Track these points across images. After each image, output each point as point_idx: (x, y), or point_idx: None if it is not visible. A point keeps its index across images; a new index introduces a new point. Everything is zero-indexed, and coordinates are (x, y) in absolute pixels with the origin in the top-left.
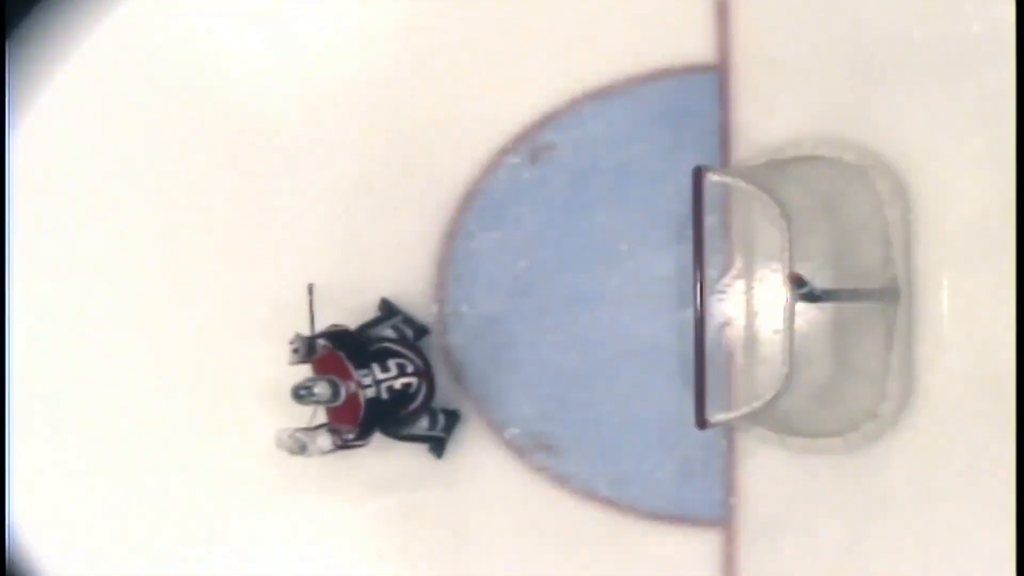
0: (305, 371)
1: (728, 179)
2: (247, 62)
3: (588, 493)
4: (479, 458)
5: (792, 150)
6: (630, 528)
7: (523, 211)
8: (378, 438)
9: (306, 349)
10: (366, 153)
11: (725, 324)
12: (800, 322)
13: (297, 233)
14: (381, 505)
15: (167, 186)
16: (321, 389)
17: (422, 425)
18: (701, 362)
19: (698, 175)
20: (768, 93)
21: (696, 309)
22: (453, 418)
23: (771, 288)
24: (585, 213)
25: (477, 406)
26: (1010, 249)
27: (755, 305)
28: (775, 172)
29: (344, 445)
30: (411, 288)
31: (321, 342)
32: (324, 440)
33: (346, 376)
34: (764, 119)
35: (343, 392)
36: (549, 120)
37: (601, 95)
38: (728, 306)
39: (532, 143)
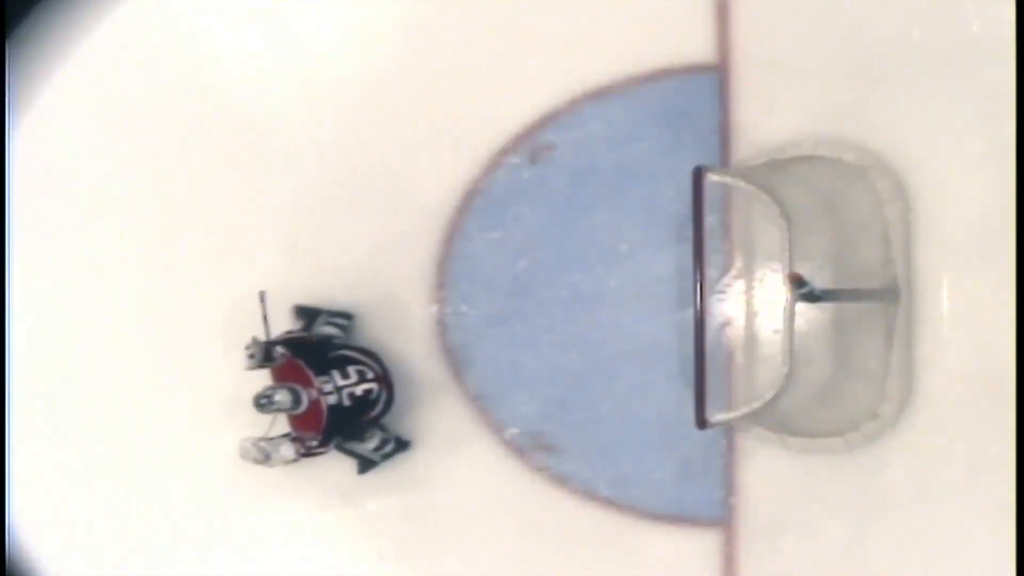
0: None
1: (728, 179)
2: (247, 62)
3: (588, 493)
4: (479, 458)
5: (792, 150)
6: (630, 528)
7: (523, 211)
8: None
9: (262, 354)
10: (366, 153)
11: (725, 324)
12: (800, 322)
13: (297, 233)
14: (381, 505)
15: (167, 186)
16: (282, 397)
17: (368, 445)
18: (701, 362)
19: (698, 175)
20: (768, 93)
21: (696, 309)
22: (401, 447)
23: (771, 288)
24: (585, 213)
25: (477, 406)
26: (1010, 249)
27: (755, 305)
28: (775, 172)
29: (307, 453)
30: (411, 288)
31: (280, 350)
32: (287, 449)
33: (307, 383)
34: (764, 119)
35: (304, 399)
36: (549, 120)
37: (601, 95)
38: (728, 306)
39: (532, 143)
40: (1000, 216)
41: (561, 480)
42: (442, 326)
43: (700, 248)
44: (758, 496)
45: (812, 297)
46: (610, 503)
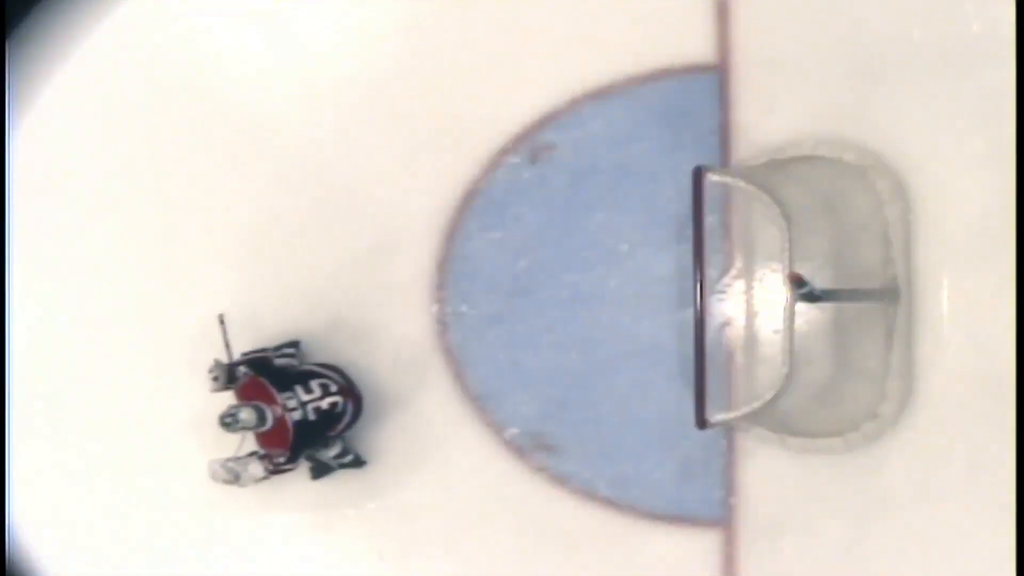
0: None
1: (728, 179)
2: (247, 62)
3: (588, 493)
4: (479, 458)
5: (792, 150)
6: (630, 528)
7: (523, 211)
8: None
9: (226, 376)
10: (366, 153)
11: (725, 324)
12: (800, 322)
13: (297, 232)
14: (381, 505)
15: (167, 186)
16: (247, 415)
17: (329, 452)
18: (701, 362)
19: (698, 175)
20: (768, 93)
21: (696, 309)
22: (358, 463)
23: (771, 288)
24: (585, 213)
25: (477, 406)
26: (1010, 249)
27: (755, 305)
28: (775, 172)
29: (276, 470)
30: (411, 288)
31: (242, 369)
32: (256, 468)
33: (270, 401)
34: (764, 119)
35: (269, 417)
36: (549, 120)
37: (601, 95)
38: (728, 306)
39: (532, 143)
40: (1000, 216)
41: (561, 480)
42: (442, 326)
43: (700, 248)
44: (758, 496)
45: (812, 297)
46: (610, 503)
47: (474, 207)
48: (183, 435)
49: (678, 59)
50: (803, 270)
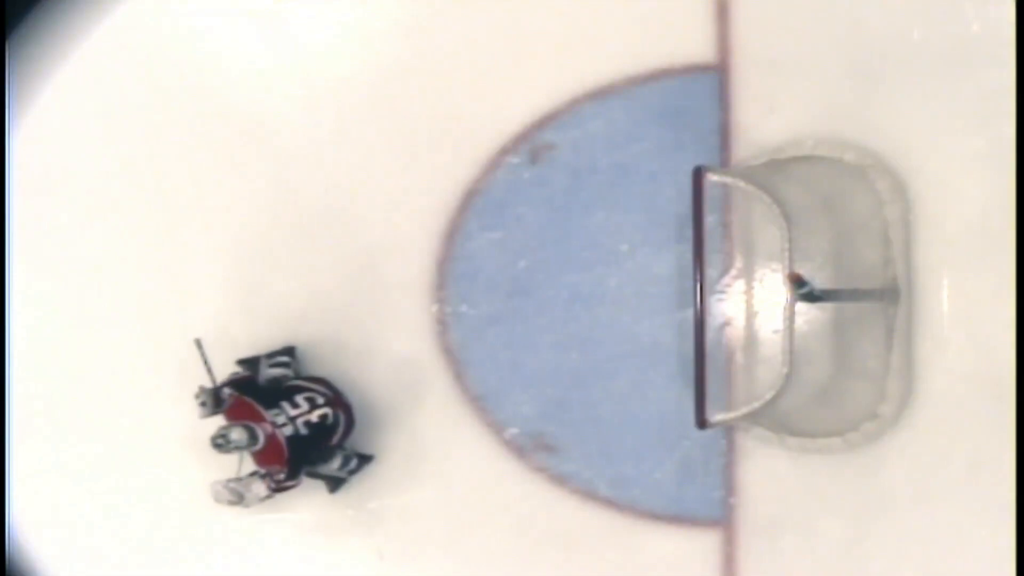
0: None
1: (728, 179)
2: (247, 62)
3: (588, 493)
4: (479, 458)
5: (792, 150)
6: (630, 528)
7: (523, 211)
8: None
9: (213, 401)
10: (366, 153)
11: (725, 324)
12: (800, 322)
13: (296, 232)
14: (381, 505)
15: (167, 186)
16: (237, 435)
17: (333, 466)
18: (701, 362)
19: (698, 175)
20: (768, 93)
21: (696, 309)
22: (364, 461)
23: (771, 288)
24: (585, 213)
25: (477, 406)
26: (1010, 249)
27: (755, 305)
28: (775, 172)
29: (279, 488)
30: (411, 288)
31: (227, 391)
32: (259, 487)
33: (258, 419)
34: (764, 119)
35: (260, 435)
36: (549, 120)
37: (601, 95)
38: (728, 306)
39: (532, 143)
40: (1000, 216)
41: (561, 480)
42: (442, 326)
43: (700, 248)
44: (758, 496)
45: (812, 297)
46: (610, 503)
47: (474, 207)
48: (183, 435)
49: (678, 59)
50: (803, 270)
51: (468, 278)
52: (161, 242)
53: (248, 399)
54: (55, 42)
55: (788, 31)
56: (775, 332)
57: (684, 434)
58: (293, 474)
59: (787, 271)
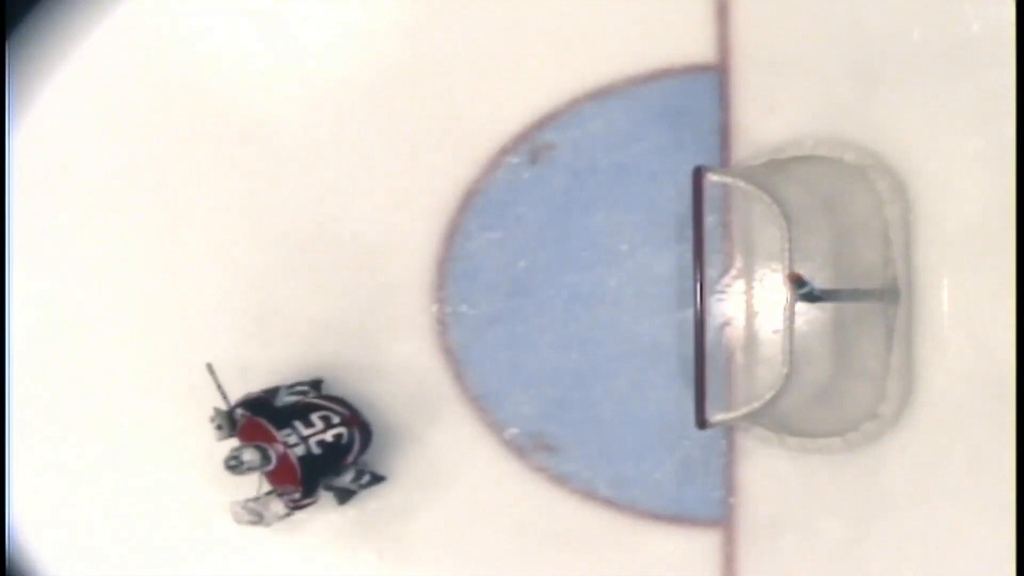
0: None
1: (728, 179)
2: (247, 62)
3: (588, 493)
4: (479, 458)
5: (792, 150)
6: (630, 528)
7: (523, 211)
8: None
9: (228, 423)
10: (365, 153)
11: (725, 324)
12: (800, 322)
13: (296, 232)
14: (381, 505)
15: (167, 186)
16: (250, 456)
17: (345, 479)
18: (701, 362)
19: (698, 175)
20: (768, 93)
21: (696, 309)
22: (376, 480)
23: (771, 288)
24: (585, 213)
25: (477, 406)
26: (1010, 249)
27: (755, 305)
28: (775, 172)
29: (296, 506)
30: (411, 288)
31: (239, 411)
32: (277, 505)
33: (270, 439)
34: (764, 119)
35: (272, 456)
36: (549, 120)
37: (601, 95)
38: (728, 306)
39: (532, 143)
40: (1000, 216)
41: (561, 480)
42: (442, 326)
43: (700, 248)
44: (758, 496)
45: (812, 297)
46: (610, 503)
47: (474, 207)
48: (183, 435)
49: (678, 59)
50: (803, 270)
51: (468, 278)
52: (160, 242)
53: (259, 419)
54: (55, 42)
55: (788, 31)
56: (775, 332)
57: (684, 434)
58: (309, 492)
59: (787, 271)
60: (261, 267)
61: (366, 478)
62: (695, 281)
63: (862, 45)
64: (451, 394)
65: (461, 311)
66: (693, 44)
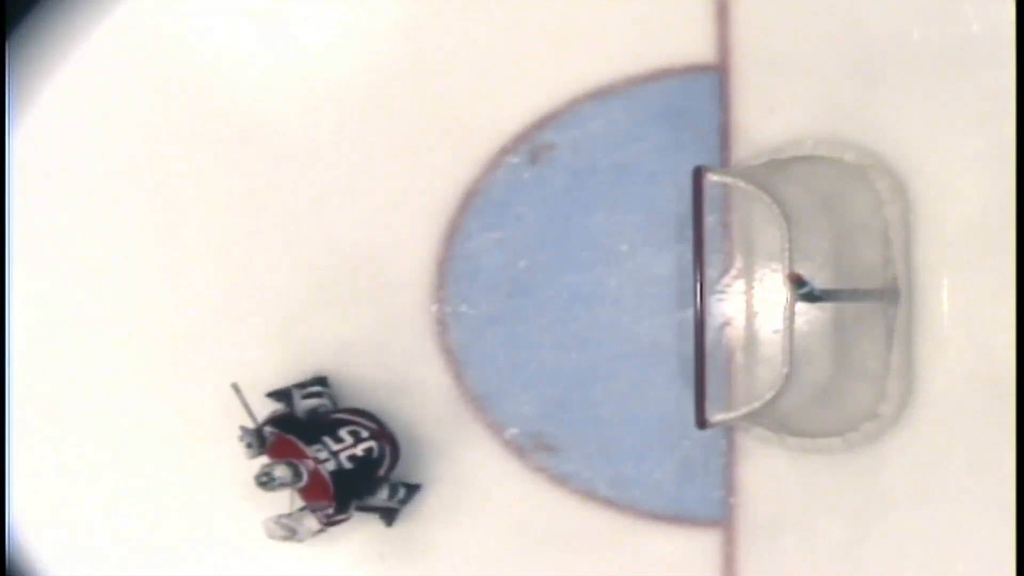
0: None
1: (728, 179)
2: (247, 62)
3: (588, 493)
4: (479, 458)
5: (792, 150)
6: (630, 528)
7: (523, 211)
8: None
9: (258, 441)
10: (366, 153)
11: (725, 324)
12: (800, 322)
13: (296, 232)
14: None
15: (167, 186)
16: (281, 472)
17: (381, 496)
18: (701, 362)
19: (698, 175)
20: (768, 93)
21: (696, 309)
22: (412, 491)
23: (771, 288)
24: (585, 213)
25: (477, 406)
26: (1010, 249)
27: (755, 305)
28: (775, 172)
29: (330, 522)
30: (411, 288)
31: (268, 429)
32: (311, 521)
33: (300, 456)
34: (764, 119)
35: (304, 472)
36: (549, 120)
37: (601, 95)
38: (728, 306)
39: (532, 143)
40: (1000, 216)
41: (561, 480)
42: (442, 326)
43: (700, 248)
44: (758, 496)
45: (812, 297)
46: (610, 503)
47: (474, 207)
48: (183, 435)
49: (678, 59)
50: (803, 270)
51: (468, 278)
52: (160, 242)
53: (290, 436)
54: (55, 42)
55: (788, 31)
56: (775, 332)
57: (684, 434)
58: (342, 508)
59: (787, 271)
60: (261, 267)
61: (401, 492)
62: (695, 281)
63: (862, 45)
64: (451, 394)
65: (461, 311)
66: (693, 44)
